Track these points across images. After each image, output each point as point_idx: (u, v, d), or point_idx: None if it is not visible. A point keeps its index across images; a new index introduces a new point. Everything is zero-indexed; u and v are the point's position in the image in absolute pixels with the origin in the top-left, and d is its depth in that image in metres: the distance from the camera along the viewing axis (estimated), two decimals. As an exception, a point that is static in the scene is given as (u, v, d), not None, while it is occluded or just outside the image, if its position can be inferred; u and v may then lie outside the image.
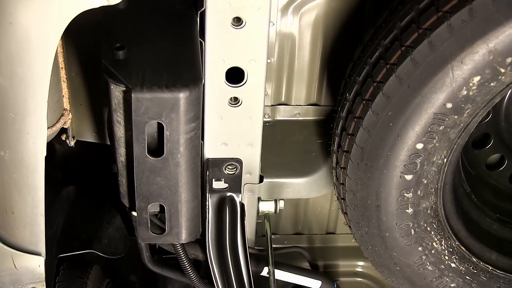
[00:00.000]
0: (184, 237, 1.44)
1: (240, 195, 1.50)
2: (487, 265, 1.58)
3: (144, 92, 1.14)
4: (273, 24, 1.50)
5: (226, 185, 1.48)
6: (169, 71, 1.19)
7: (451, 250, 1.52)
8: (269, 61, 1.54)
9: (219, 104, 1.40)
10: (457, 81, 1.23)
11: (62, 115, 1.41)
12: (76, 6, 0.98)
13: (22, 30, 1.02)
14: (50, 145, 1.32)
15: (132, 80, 1.15)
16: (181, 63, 1.24)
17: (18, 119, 1.13)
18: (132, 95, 1.14)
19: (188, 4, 1.34)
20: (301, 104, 1.73)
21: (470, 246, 1.56)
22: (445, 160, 1.43)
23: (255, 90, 1.34)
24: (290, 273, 1.82)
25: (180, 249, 1.57)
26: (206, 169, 1.50)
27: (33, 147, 1.16)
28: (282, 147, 1.71)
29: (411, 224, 1.52)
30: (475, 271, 1.57)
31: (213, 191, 1.51)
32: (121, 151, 1.32)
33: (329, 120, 1.67)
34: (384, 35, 1.37)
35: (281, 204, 1.61)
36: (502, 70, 1.20)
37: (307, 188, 1.66)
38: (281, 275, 1.83)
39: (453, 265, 1.54)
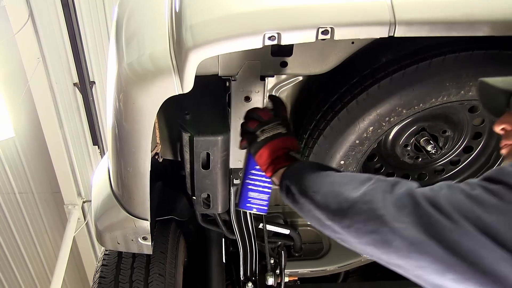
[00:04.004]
0: (220, 210, 1.74)
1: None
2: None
3: (200, 137, 1.48)
4: (265, 98, 1.62)
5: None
6: (212, 125, 1.51)
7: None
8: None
9: (236, 144, 1.58)
10: (361, 129, 1.58)
11: (156, 145, 1.61)
12: (166, 94, 1.22)
13: (138, 107, 1.28)
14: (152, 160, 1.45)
15: (194, 131, 1.48)
16: (218, 121, 1.53)
17: (136, 150, 1.40)
18: (194, 139, 1.48)
19: (222, 89, 1.60)
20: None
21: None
22: (355, 168, 1.71)
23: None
24: (272, 226, 2.24)
25: (217, 215, 1.93)
26: (230, 174, 1.71)
27: (144, 164, 1.43)
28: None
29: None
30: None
31: (234, 185, 1.75)
32: (187, 165, 1.61)
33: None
34: (323, 105, 1.61)
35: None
36: (383, 124, 1.56)
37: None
38: (268, 227, 2.17)
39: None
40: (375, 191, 1.02)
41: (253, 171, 1.54)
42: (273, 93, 1.72)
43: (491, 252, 0.84)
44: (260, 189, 1.55)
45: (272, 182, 1.42)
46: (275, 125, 1.40)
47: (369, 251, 1.01)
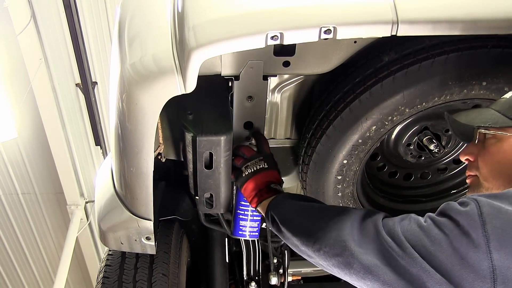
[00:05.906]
0: (222, 210, 1.72)
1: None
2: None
3: (203, 136, 1.47)
4: (267, 98, 1.68)
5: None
6: (215, 125, 1.50)
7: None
8: (266, 116, 1.75)
9: (239, 141, 1.68)
10: (364, 128, 1.55)
11: (159, 146, 1.61)
12: (169, 94, 1.21)
13: (141, 107, 1.25)
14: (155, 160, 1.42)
15: (196, 131, 1.47)
16: (221, 120, 1.53)
17: (139, 150, 1.37)
18: (197, 139, 1.47)
19: (225, 89, 1.60)
20: (281, 138, 1.94)
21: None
22: (358, 167, 1.69)
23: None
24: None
25: (220, 215, 1.92)
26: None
27: (147, 164, 1.40)
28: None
29: (340, 202, 1.79)
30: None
31: (236, 186, 1.71)
32: (190, 165, 1.59)
33: (297, 147, 1.88)
34: (326, 104, 1.60)
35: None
36: (386, 123, 1.54)
37: (285, 182, 1.78)
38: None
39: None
40: (345, 219, 1.15)
41: (243, 202, 1.65)
42: (276, 93, 1.74)
43: (432, 277, 0.96)
44: (250, 217, 1.68)
45: (258, 212, 1.51)
46: (257, 161, 1.57)
47: (336, 273, 1.13)
